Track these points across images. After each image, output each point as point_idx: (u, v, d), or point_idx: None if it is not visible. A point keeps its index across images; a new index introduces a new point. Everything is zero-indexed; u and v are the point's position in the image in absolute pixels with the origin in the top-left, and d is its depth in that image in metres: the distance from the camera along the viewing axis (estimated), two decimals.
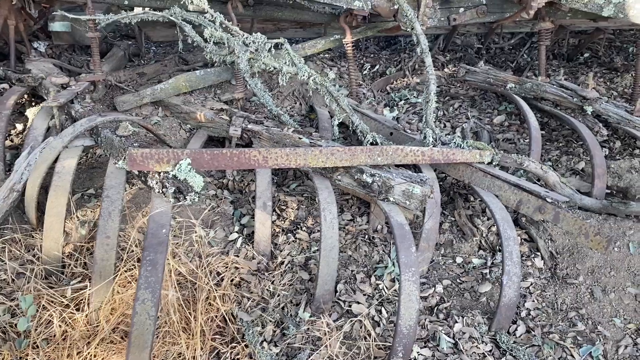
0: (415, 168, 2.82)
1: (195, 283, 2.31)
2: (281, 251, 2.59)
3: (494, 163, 2.77)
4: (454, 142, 2.79)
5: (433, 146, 2.78)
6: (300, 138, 2.79)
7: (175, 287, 2.23)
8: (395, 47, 4.72)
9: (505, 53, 4.77)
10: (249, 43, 2.77)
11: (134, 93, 3.29)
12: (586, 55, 4.76)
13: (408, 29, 3.07)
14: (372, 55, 4.52)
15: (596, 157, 2.86)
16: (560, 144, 3.32)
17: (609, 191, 2.92)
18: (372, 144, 2.92)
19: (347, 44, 3.41)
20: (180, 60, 3.94)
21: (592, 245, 2.32)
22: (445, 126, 3.52)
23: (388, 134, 3.14)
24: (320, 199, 2.45)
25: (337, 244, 2.32)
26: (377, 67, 4.35)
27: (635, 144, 3.15)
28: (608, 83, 4.11)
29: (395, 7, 3.09)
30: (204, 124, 3.13)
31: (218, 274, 2.41)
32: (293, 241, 2.65)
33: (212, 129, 3.10)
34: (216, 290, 2.29)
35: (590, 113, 3.13)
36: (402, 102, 3.84)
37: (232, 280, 2.40)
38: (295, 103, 3.62)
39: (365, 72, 4.28)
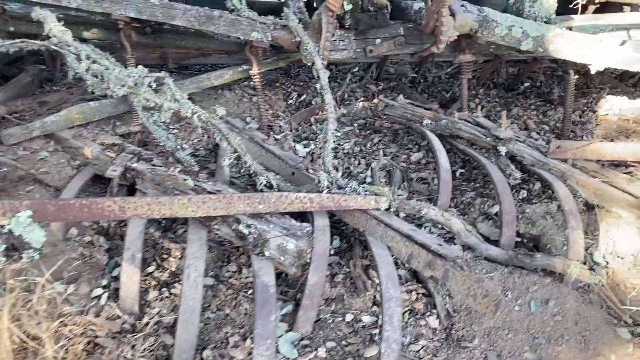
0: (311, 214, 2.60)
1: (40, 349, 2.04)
2: (152, 309, 2.34)
3: (391, 209, 2.56)
4: (350, 187, 2.58)
5: (328, 190, 2.57)
6: (185, 180, 2.56)
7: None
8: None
9: (442, 82, 4.60)
10: (126, 77, 2.54)
11: (22, 125, 3.04)
12: (526, 84, 4.61)
13: (309, 63, 2.86)
14: (301, 84, 4.32)
15: (505, 202, 2.66)
16: (477, 184, 3.12)
17: (520, 239, 2.72)
18: (267, 186, 2.70)
19: (254, 75, 3.20)
20: None
21: (480, 308, 2.10)
22: (359, 163, 3.31)
23: (289, 174, 2.92)
24: (188, 252, 2.22)
25: (199, 306, 2.08)
26: (304, 96, 4.15)
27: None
28: (541, 116, 3.95)
29: (297, 39, 2.88)
30: (90, 160, 2.88)
31: (70, 338, 2.15)
32: (167, 297, 2.40)
33: (97, 167, 2.86)
34: (62, 358, 2.03)
35: (504, 154, 2.94)
36: (322, 135, 3.62)
37: (84, 345, 2.14)
38: (204, 135, 3.39)
39: (291, 101, 4.08)
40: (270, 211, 2.35)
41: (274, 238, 2.20)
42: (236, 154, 2.68)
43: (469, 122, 3.21)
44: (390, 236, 2.41)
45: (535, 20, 3.38)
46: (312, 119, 3.88)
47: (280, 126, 3.55)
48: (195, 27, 2.83)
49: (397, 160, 3.33)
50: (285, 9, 3.00)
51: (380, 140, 3.56)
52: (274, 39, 2.92)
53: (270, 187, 2.71)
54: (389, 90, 4.37)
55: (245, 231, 2.26)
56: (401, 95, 3.67)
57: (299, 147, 3.36)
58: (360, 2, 3.20)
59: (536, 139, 3.53)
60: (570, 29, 3.49)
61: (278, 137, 3.40)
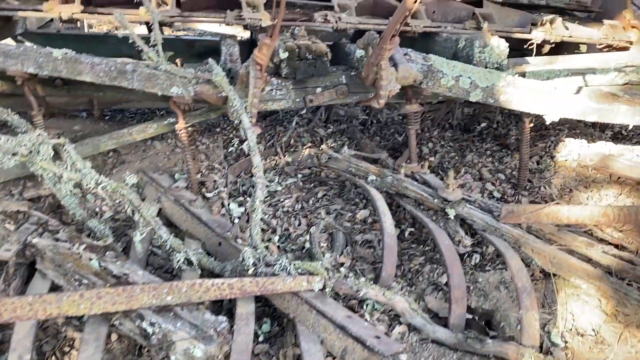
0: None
1: None
2: None
3: (327, 290, 2.26)
4: (280, 264, 2.27)
5: (254, 269, 2.26)
6: (89, 260, 2.23)
7: None
8: (274, 117, 4.24)
9: (395, 123, 4.37)
10: (17, 146, 2.20)
11: None
12: (483, 125, 4.40)
13: (236, 121, 2.57)
14: None
15: (454, 276, 2.39)
16: (427, 247, 2.85)
17: (471, 316, 2.45)
18: (187, 264, 2.39)
19: (179, 130, 2.89)
20: None
21: None
22: (300, 224, 3.01)
23: (216, 245, 2.60)
24: (81, 356, 1.88)
25: None
26: (246, 142, 3.83)
27: None
28: (497, 163, 3.72)
29: (223, 94, 2.59)
30: None
31: None
32: None
33: None
34: None
35: (453, 217, 2.68)
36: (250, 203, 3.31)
37: None
38: None
39: (232, 148, 3.77)
40: (182, 302, 2.03)
41: (181, 341, 1.87)
42: (150, 227, 2.36)
43: (416, 179, 2.95)
44: (323, 326, 2.11)
45: (486, 67, 3.16)
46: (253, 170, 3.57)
47: (214, 181, 3.23)
48: (106, 83, 2.52)
49: (341, 219, 3.04)
50: (210, 59, 2.71)
51: (324, 195, 3.27)
52: (197, 94, 2.62)
53: (190, 264, 2.39)
54: (339, 134, 4.11)
55: (149, 330, 1.94)
56: (345, 147, 3.41)
57: (233, 205, 3.05)
58: (297, 50, 2.93)
59: (490, 196, 3.31)
60: (523, 74, 3.29)
61: (210, 195, 3.09)
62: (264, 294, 2.19)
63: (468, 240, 2.60)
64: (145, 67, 2.54)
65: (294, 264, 2.28)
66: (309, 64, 2.99)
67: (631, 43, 3.95)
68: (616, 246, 2.89)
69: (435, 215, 2.77)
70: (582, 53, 4.34)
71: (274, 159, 3.71)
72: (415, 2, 2.09)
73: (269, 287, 2.17)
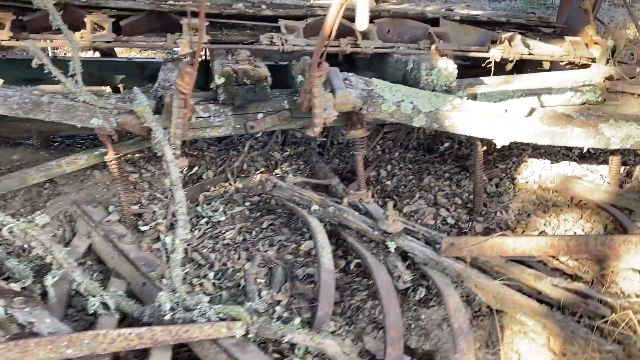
0: None
1: None
2: None
3: (249, 336, 2.11)
4: (199, 309, 2.12)
5: (172, 314, 2.11)
6: None
7: None
8: (229, 140, 4.10)
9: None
10: None
11: None
12: (447, 144, 4.28)
13: (159, 153, 2.43)
14: (195, 153, 3.88)
15: (390, 315, 2.25)
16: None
17: (410, 357, 2.30)
18: (104, 306, 2.23)
19: (109, 161, 2.75)
20: None
21: None
22: (239, 257, 2.87)
23: (141, 285, 2.45)
24: None
25: None
26: (196, 168, 3.71)
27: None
28: (454, 186, 3.59)
29: (147, 125, 2.45)
30: None
31: None
32: None
33: None
34: None
35: (393, 250, 2.54)
36: (205, 219, 3.18)
37: None
38: (59, 229, 2.90)
39: (182, 175, 3.62)
40: (85, 355, 1.88)
41: None
42: (63, 270, 2.21)
43: (360, 209, 2.82)
44: None
45: (434, 90, 3.04)
46: (201, 197, 3.43)
47: (153, 212, 3.09)
48: (21, 116, 2.38)
49: (284, 251, 2.90)
50: (135, 88, 2.58)
51: (270, 225, 3.13)
52: (119, 125, 2.49)
53: (106, 308, 2.24)
54: (296, 157, 3.97)
55: None
56: (290, 175, 3.27)
57: (169, 239, 2.90)
58: (234, 75, 2.80)
59: (443, 222, 3.17)
60: (474, 96, 3.16)
61: (146, 228, 2.94)
62: (178, 342, 2.03)
63: (408, 276, 2.45)
64: (62, 98, 2.40)
65: (215, 309, 2.13)
66: (247, 89, 2.86)
67: (593, 60, 3.84)
68: (571, 276, 2.75)
69: (377, 247, 2.62)
70: (545, 70, 4.23)
71: (223, 186, 3.57)
72: (330, 32, 1.96)
73: (183, 336, 2.02)
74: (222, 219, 3.16)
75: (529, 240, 2.47)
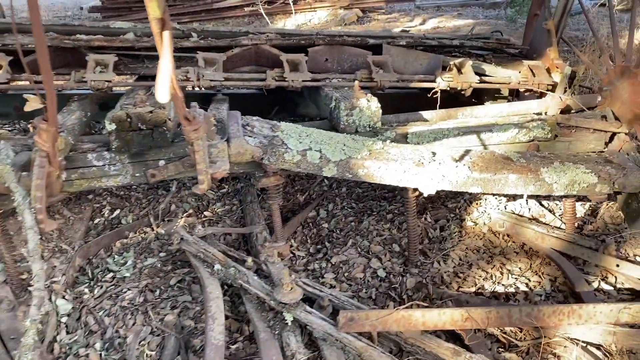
0: None
1: None
2: None
3: None
4: None
5: None
6: None
7: None
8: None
9: (302, 178, 3.94)
10: None
11: None
12: None
13: (20, 217, 2.16)
14: (122, 193, 3.62)
15: None
16: None
17: None
18: None
19: None
20: None
21: None
22: (135, 322, 2.58)
23: None
24: None
25: None
26: (118, 211, 3.44)
27: None
28: (395, 230, 3.27)
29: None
30: None
31: None
32: None
33: None
34: None
35: (290, 323, 2.24)
36: (111, 274, 2.90)
37: None
38: None
39: (100, 219, 3.37)
40: None
41: None
42: None
43: (262, 270, 2.52)
44: None
45: (357, 131, 2.74)
46: (117, 244, 3.16)
47: (53, 267, 2.82)
48: None
49: (186, 314, 2.61)
50: (2, 141, 2.32)
51: (179, 282, 2.84)
52: None
53: None
54: (232, 196, 3.69)
55: None
56: (199, 226, 2.98)
57: (61, 302, 2.63)
58: (127, 121, 2.53)
59: (373, 275, 2.86)
60: (405, 136, 2.85)
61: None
62: None
63: (302, 355, 2.14)
64: None
65: None
66: (144, 135, 2.58)
67: (554, 86, 3.50)
68: (504, 345, 2.43)
69: (275, 317, 2.32)
70: (506, 97, 3.89)
71: (144, 231, 3.30)
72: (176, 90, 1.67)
73: None
74: (128, 274, 2.88)
75: (441, 313, 2.15)
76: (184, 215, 3.42)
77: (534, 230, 3.02)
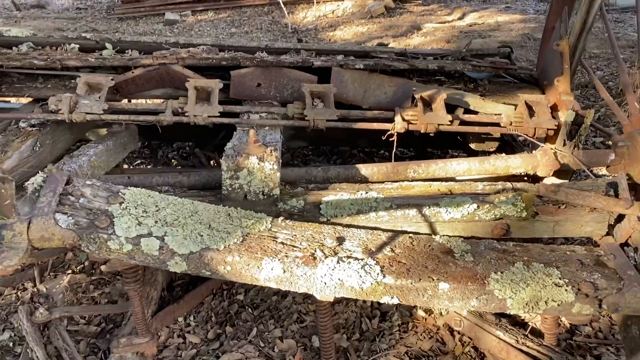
0: None
1: None
2: None
3: None
4: None
5: None
6: None
7: None
8: None
9: None
10: None
11: None
12: None
13: None
14: None
15: None
16: None
17: None
18: None
19: None
20: None
21: None
22: None
23: None
24: None
25: None
26: None
27: None
28: (309, 319, 2.52)
29: None
30: None
31: None
32: None
33: None
34: None
35: None
36: None
37: None
38: None
39: None
40: None
41: None
42: None
43: None
44: None
45: (246, 197, 2.01)
46: None
47: None
48: None
49: None
50: None
51: None
52: None
53: None
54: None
55: None
56: (41, 309, 2.34)
57: None
58: None
59: None
60: (318, 206, 2.09)
61: None
62: None
63: None
64: None
65: None
66: None
67: (557, 130, 2.61)
68: None
69: None
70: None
71: (22, 288, 2.72)
72: None
73: None
74: None
75: None
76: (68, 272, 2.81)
77: (498, 339, 2.21)
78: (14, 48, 2.81)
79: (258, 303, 2.63)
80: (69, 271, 2.80)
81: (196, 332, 2.47)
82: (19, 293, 2.69)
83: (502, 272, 1.81)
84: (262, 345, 2.34)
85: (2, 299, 2.65)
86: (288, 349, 2.33)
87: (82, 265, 2.84)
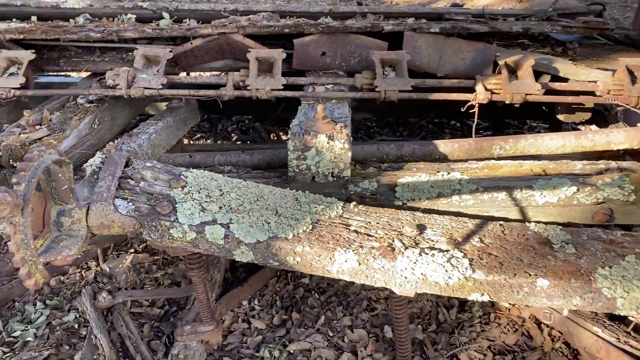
0: None
1: None
2: None
3: None
4: None
5: None
6: None
7: None
8: None
9: None
10: None
11: None
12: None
13: None
14: None
15: None
16: None
17: None
18: None
19: None
20: None
21: None
22: None
23: None
24: None
25: None
26: None
27: None
28: (380, 307, 2.35)
29: None
30: None
31: None
32: None
33: None
34: None
35: None
36: (13, 337, 2.33)
37: None
38: None
39: None
40: None
41: None
42: None
43: None
44: None
45: (314, 179, 1.84)
46: (52, 282, 2.60)
47: None
48: None
49: None
50: None
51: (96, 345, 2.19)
52: None
53: None
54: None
55: None
56: (104, 293, 2.26)
57: None
58: None
59: None
60: (393, 189, 1.89)
61: None
62: None
63: None
64: None
65: None
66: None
67: None
68: None
69: None
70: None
71: (86, 267, 2.69)
72: None
73: None
74: (30, 339, 2.27)
75: None
76: (129, 253, 2.75)
77: (595, 336, 1.97)
78: (70, 20, 2.72)
79: (325, 287, 2.48)
80: (132, 250, 2.74)
81: (261, 316, 2.35)
82: (82, 272, 2.66)
83: (610, 267, 1.56)
84: (331, 334, 2.20)
85: (67, 278, 2.63)
86: (359, 339, 2.17)
87: (145, 244, 2.78)
